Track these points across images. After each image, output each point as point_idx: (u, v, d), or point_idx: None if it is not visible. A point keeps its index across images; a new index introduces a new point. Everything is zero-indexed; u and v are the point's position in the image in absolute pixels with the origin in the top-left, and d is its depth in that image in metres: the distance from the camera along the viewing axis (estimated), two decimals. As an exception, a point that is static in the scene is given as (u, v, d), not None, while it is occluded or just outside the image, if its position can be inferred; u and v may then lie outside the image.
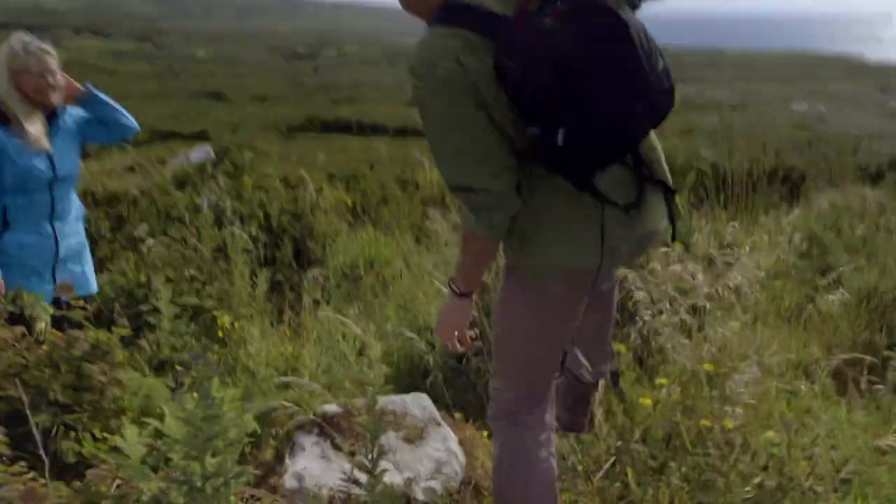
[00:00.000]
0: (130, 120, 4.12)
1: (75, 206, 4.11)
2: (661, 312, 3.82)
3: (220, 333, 4.65)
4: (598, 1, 1.99)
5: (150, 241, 4.95)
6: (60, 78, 3.85)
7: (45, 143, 3.81)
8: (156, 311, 4.52)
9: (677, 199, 2.47)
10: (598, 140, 2.06)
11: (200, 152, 9.38)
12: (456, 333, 2.43)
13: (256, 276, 5.26)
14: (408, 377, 4.08)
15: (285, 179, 7.16)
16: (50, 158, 3.84)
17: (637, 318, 3.83)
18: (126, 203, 5.89)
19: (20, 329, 3.35)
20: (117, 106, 4.07)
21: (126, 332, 3.53)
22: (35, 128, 3.77)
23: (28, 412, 3.15)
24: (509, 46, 2.02)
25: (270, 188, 6.19)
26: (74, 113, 4.04)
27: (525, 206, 2.19)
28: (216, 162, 7.22)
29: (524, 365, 2.51)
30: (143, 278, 4.69)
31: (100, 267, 5.19)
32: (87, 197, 6.08)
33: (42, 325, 3.55)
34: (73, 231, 4.08)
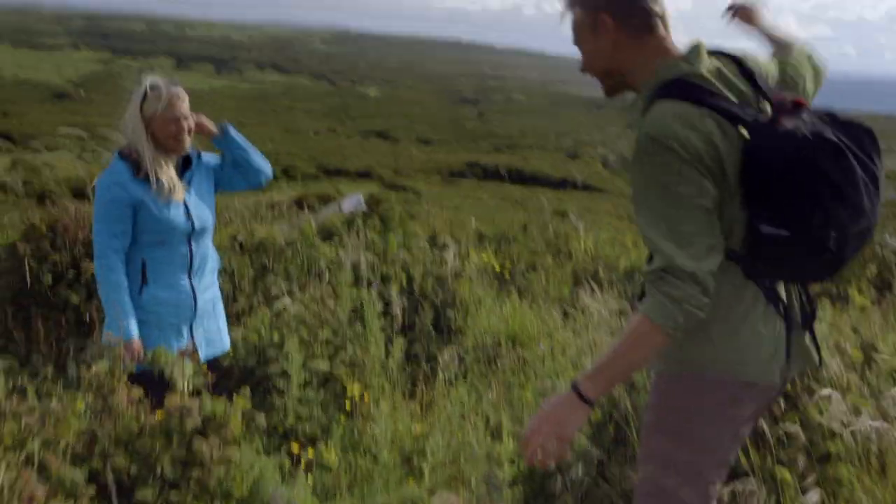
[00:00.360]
0: (265, 163, 3.94)
1: (212, 259, 3.93)
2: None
3: (348, 406, 4.43)
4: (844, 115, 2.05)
5: (286, 301, 4.78)
6: (193, 121, 3.69)
7: (181, 193, 3.65)
8: (285, 373, 4.38)
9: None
10: (841, 252, 2.04)
11: (352, 201, 9.35)
12: (555, 442, 2.10)
13: (391, 344, 5.01)
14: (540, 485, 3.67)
15: (433, 238, 6.95)
16: (187, 209, 3.68)
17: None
18: (272, 253, 5.79)
19: (139, 392, 3.22)
20: (252, 147, 3.89)
21: (246, 404, 3.33)
22: (169, 177, 3.60)
23: (133, 485, 3.01)
24: (770, 142, 2.01)
25: (415, 248, 5.96)
26: (207, 159, 3.88)
27: (716, 310, 2.07)
28: (367, 213, 7.09)
29: (686, 482, 2.26)
30: (276, 338, 4.52)
31: (236, 320, 5.11)
32: (235, 243, 6.03)
33: (181, 385, 3.41)
34: (209, 284, 3.90)
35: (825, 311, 4.33)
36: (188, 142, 3.66)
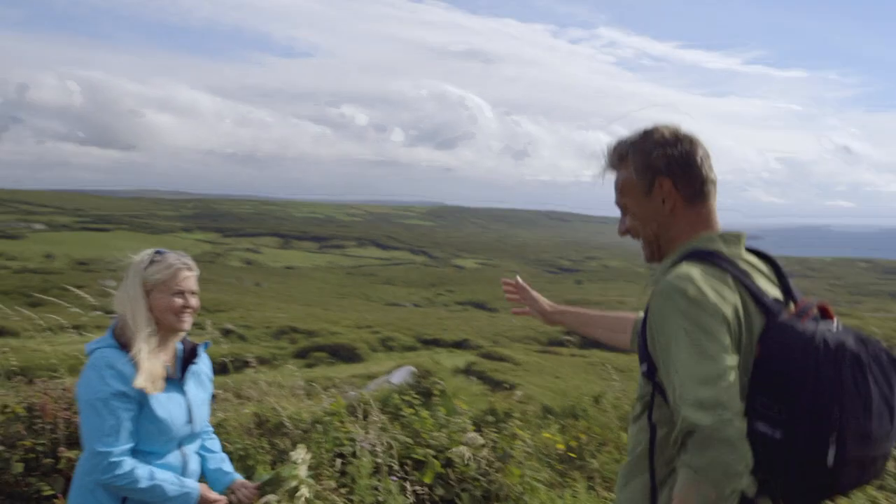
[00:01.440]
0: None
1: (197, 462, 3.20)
2: None
3: None
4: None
5: (304, 493, 3.95)
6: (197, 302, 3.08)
7: (160, 386, 2.95)
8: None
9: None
10: (836, 473, 1.84)
11: (402, 373, 8.61)
12: None
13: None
14: None
15: (492, 410, 6.07)
16: (189, 409, 3.03)
17: None
18: (292, 436, 5.02)
19: None
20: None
21: None
22: (157, 365, 2.94)
23: None
24: (789, 335, 1.91)
25: (455, 426, 5.07)
26: (207, 358, 3.25)
27: None
28: (413, 386, 6.28)
29: None
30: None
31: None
32: (258, 421, 5.30)
33: None
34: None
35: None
36: (190, 322, 3.06)
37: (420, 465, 4.67)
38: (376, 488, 4.27)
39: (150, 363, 2.90)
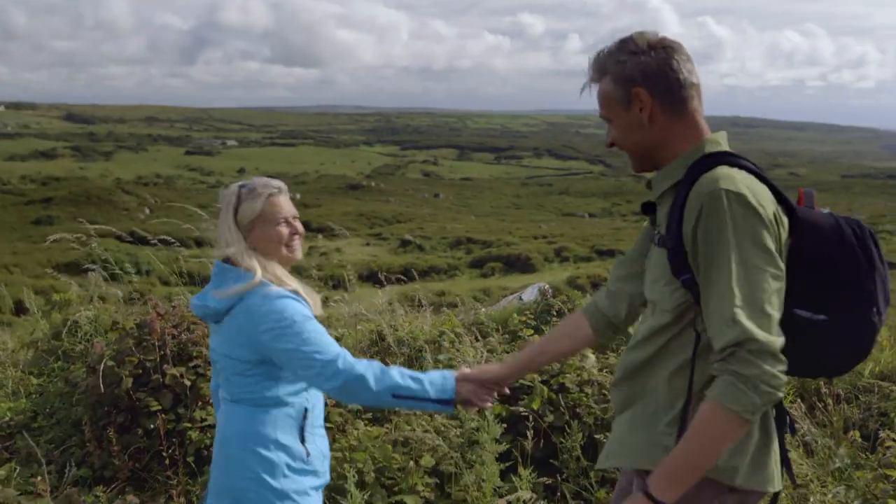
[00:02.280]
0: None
1: None
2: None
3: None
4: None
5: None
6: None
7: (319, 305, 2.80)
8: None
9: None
10: (874, 339, 2.04)
11: (534, 290, 8.30)
12: None
13: (516, 476, 3.86)
14: None
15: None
16: None
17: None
18: (402, 355, 4.89)
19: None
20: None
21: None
22: (305, 289, 2.76)
23: None
24: (821, 220, 2.05)
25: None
26: None
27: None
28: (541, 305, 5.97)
29: None
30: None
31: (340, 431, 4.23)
32: (373, 339, 5.21)
33: None
34: None
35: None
36: (300, 249, 2.83)
37: (525, 391, 4.41)
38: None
39: (305, 288, 2.74)
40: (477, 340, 5.00)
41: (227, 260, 2.71)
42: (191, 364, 4.39)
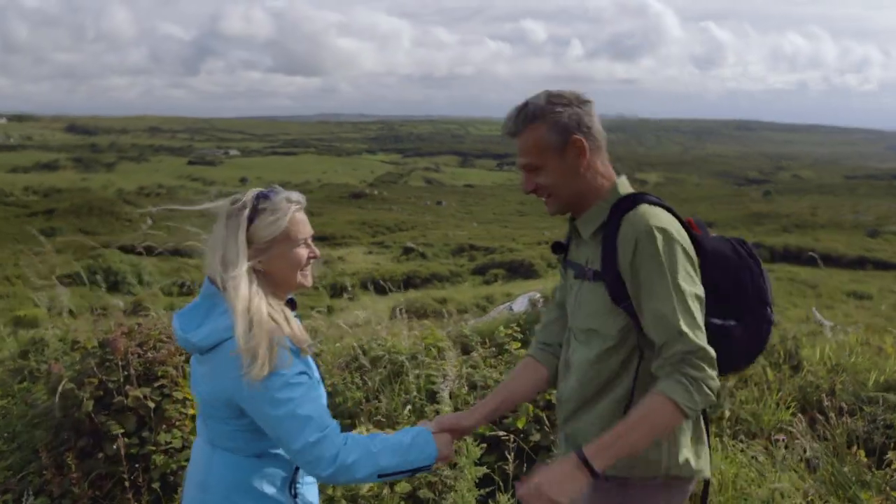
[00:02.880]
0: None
1: None
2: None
3: None
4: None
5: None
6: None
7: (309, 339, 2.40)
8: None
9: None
10: (763, 343, 2.41)
11: (524, 300, 8.08)
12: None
13: None
14: None
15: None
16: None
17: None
18: (384, 371, 4.67)
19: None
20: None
21: None
22: (297, 327, 2.36)
23: None
24: (716, 244, 2.37)
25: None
26: None
27: None
28: (530, 315, 5.74)
29: None
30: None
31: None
32: (354, 354, 4.98)
33: None
34: None
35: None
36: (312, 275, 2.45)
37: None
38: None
39: (295, 325, 2.33)
40: (463, 354, 4.76)
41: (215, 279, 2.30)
42: (156, 384, 4.16)
